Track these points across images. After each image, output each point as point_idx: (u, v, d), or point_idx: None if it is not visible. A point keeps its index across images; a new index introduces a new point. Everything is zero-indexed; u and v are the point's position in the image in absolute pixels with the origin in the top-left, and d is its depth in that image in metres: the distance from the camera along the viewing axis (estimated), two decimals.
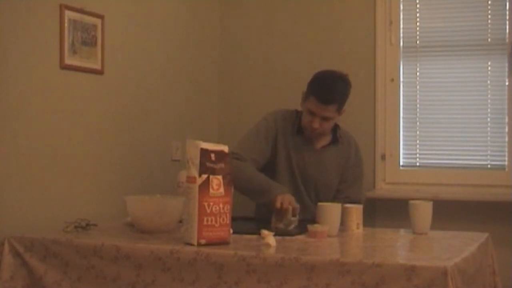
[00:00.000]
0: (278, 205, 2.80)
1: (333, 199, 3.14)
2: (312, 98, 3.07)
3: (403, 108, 3.78)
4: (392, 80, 3.78)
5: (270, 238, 2.38)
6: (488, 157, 3.66)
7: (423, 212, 2.74)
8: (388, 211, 3.66)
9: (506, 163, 3.60)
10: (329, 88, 3.06)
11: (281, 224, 2.77)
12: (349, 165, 3.25)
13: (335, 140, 3.22)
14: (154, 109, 3.55)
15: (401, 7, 3.78)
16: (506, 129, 3.59)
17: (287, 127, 3.20)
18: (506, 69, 3.59)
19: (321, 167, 3.20)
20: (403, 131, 3.79)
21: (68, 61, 2.94)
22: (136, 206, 2.67)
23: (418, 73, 3.78)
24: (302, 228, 2.68)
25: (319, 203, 2.72)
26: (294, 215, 2.80)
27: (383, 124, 3.79)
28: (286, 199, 2.83)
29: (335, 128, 3.23)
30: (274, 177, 3.15)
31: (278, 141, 3.18)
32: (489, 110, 3.65)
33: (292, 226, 2.76)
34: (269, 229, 2.48)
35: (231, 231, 2.44)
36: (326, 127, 3.12)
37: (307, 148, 3.20)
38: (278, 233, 2.53)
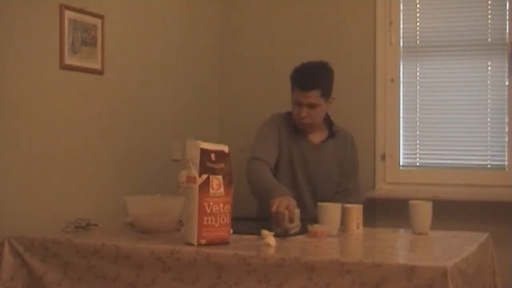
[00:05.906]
0: (273, 209, 2.68)
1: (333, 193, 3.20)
2: (295, 89, 3.15)
3: (403, 108, 3.78)
4: (392, 80, 3.78)
5: (270, 238, 2.38)
6: (488, 157, 3.66)
7: (423, 212, 2.74)
8: (388, 211, 3.65)
9: (506, 163, 3.60)
10: (308, 74, 3.14)
11: (278, 230, 2.58)
12: (347, 157, 3.29)
13: (332, 135, 3.26)
14: (154, 109, 3.55)
15: (401, 7, 3.78)
16: (506, 129, 3.60)
17: (284, 128, 3.24)
18: (506, 69, 3.59)
19: (322, 162, 3.23)
20: (403, 131, 3.79)
21: (68, 61, 2.94)
22: (136, 206, 2.67)
23: (418, 73, 3.78)
24: (302, 229, 2.67)
25: (319, 203, 2.71)
26: (291, 221, 2.63)
27: (383, 124, 3.79)
28: (282, 203, 2.68)
29: (330, 124, 3.27)
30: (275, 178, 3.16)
31: (281, 142, 3.21)
32: (489, 110, 3.65)
33: (291, 232, 2.60)
34: (269, 229, 2.48)
35: (231, 231, 2.44)
36: (315, 116, 3.15)
37: (307, 144, 3.23)
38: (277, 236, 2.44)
